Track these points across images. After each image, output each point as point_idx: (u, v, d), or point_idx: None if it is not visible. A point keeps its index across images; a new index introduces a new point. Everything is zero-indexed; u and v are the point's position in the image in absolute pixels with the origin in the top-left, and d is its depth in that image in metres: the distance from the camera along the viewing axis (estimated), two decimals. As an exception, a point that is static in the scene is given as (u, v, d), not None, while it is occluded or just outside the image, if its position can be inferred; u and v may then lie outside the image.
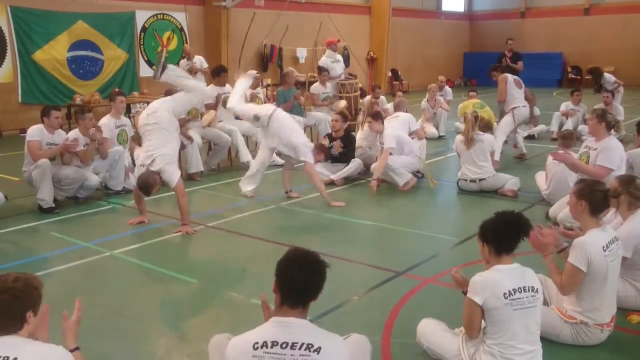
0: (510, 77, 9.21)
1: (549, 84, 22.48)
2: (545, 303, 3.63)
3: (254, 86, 9.85)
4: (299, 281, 2.36)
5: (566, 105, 11.46)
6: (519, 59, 12.54)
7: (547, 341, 3.39)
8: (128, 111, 12.71)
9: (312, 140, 8.95)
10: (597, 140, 5.81)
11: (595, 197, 3.48)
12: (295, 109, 10.10)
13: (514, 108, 8.95)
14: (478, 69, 21.37)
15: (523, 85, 9.31)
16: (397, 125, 7.77)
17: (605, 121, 5.76)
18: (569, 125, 10.69)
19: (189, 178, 8.02)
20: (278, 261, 2.46)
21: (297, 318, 2.35)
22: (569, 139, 6.57)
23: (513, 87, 9.06)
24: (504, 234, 3.00)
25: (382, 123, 7.56)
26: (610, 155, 5.61)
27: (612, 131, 6.10)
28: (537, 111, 11.71)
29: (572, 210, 3.66)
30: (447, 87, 13.19)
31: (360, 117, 10.51)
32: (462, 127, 10.30)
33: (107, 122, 7.47)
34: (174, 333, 3.87)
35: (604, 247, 3.41)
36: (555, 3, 24.52)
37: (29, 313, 2.30)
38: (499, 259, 3.03)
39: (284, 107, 9.91)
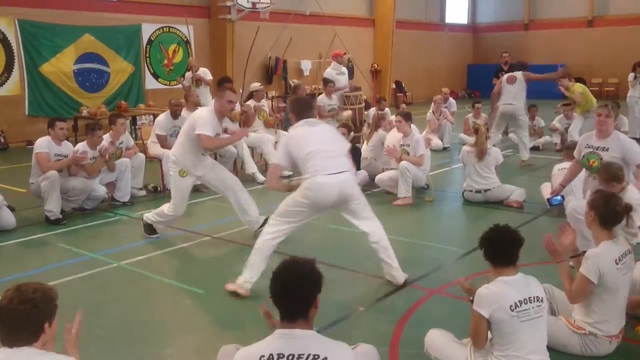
0: (504, 77, 9.92)
1: (553, 96, 22.35)
2: (553, 313, 3.63)
3: (258, 98, 9.94)
4: (284, 292, 2.34)
5: (559, 120, 11.45)
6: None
7: (555, 352, 3.39)
8: (134, 123, 12.82)
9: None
10: (605, 137, 5.40)
11: (604, 211, 3.49)
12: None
13: (497, 107, 9.84)
14: (482, 81, 21.41)
15: (517, 78, 9.72)
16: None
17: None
18: (573, 135, 10.67)
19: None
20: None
21: (302, 329, 2.33)
22: (573, 149, 6.57)
23: (505, 86, 9.76)
24: (494, 248, 3.09)
25: (410, 126, 7.66)
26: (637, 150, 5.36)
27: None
28: (541, 122, 11.74)
29: (585, 219, 3.69)
30: (451, 99, 13.22)
31: (365, 129, 10.55)
32: (467, 139, 10.40)
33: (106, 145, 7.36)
34: (182, 343, 3.88)
35: (616, 260, 3.40)
36: (559, 15, 24.60)
37: (46, 324, 2.33)
38: (500, 271, 3.08)
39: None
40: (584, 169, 5.68)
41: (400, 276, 4.69)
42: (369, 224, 4.66)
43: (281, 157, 4.55)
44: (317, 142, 4.43)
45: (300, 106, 4.79)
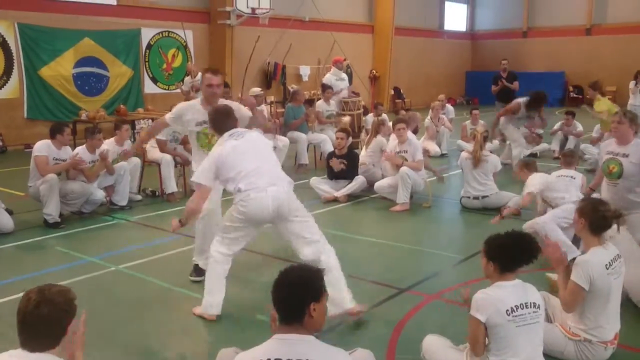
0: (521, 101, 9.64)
1: (551, 103, 22.37)
2: (549, 320, 3.65)
3: (258, 103, 9.96)
4: (279, 297, 2.37)
5: (561, 125, 11.48)
6: (515, 79, 12.30)
7: (552, 358, 3.41)
8: (133, 128, 12.80)
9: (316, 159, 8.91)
10: (626, 144, 5.20)
11: (593, 217, 3.52)
12: (301, 127, 10.22)
13: None
14: (480, 88, 21.48)
15: None
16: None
17: (635, 124, 5.32)
18: (570, 144, 10.74)
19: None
20: None
21: (300, 334, 2.34)
22: (570, 157, 6.60)
23: None
24: (512, 255, 3.05)
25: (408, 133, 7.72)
26: None
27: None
28: (539, 130, 11.78)
29: (575, 226, 3.73)
30: (449, 106, 13.26)
31: (363, 135, 10.58)
32: (466, 146, 10.42)
33: (110, 149, 7.39)
34: (180, 347, 3.88)
35: (606, 265, 3.43)
36: (557, 23, 24.69)
37: (70, 326, 2.33)
38: (502, 276, 3.08)
39: (294, 124, 10.05)
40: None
41: (348, 300, 4.07)
42: (311, 248, 4.11)
43: (210, 178, 4.13)
44: (247, 160, 4.07)
45: (218, 120, 4.37)
